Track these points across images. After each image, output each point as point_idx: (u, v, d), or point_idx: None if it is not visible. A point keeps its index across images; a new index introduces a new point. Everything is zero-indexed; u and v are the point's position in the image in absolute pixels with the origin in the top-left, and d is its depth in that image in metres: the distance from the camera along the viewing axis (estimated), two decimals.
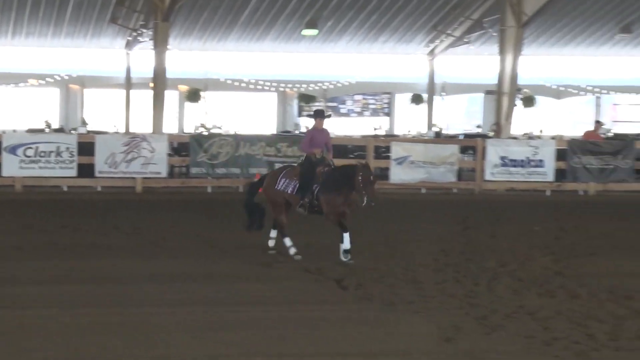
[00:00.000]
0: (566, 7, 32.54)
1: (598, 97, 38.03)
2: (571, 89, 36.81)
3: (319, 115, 16.71)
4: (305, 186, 15.70)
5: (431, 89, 36.00)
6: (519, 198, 26.54)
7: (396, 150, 27.22)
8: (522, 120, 33.94)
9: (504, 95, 30.53)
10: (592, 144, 28.17)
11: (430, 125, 34.91)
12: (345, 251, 15.75)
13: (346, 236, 15.69)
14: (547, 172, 27.50)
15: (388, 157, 27.29)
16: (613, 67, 37.22)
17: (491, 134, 31.00)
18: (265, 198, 16.67)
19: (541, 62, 35.66)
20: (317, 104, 36.34)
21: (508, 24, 30.08)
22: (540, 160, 27.43)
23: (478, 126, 34.89)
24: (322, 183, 15.64)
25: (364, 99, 37.04)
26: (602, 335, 11.80)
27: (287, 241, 16.22)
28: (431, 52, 35.76)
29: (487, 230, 20.47)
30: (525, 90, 34.04)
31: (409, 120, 36.00)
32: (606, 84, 37.15)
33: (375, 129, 33.33)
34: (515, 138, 30.02)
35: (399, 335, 11.76)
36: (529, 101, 35.08)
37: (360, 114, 37.11)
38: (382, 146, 28.29)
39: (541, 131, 33.80)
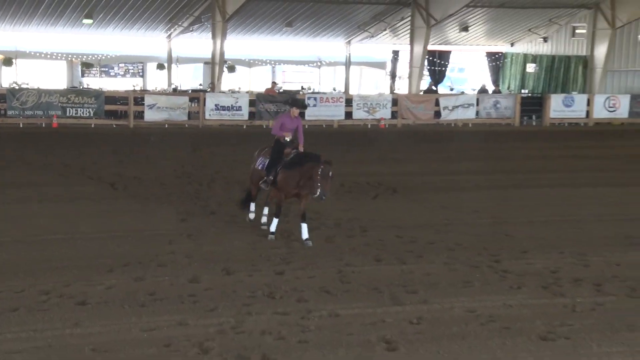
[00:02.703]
0: (254, 9, 32.61)
1: (273, 67, 38.51)
2: (258, 62, 37.03)
3: (295, 104, 11.54)
4: (272, 164, 11.17)
5: (170, 60, 35.15)
6: (227, 130, 26.75)
7: (148, 100, 26.60)
8: (227, 81, 33.92)
9: (216, 65, 30.53)
10: (270, 96, 28.71)
11: (169, 83, 34.24)
12: (272, 233, 10.81)
13: (304, 226, 10.63)
14: (244, 114, 27.74)
15: (143, 104, 26.60)
16: (283, 48, 37.74)
17: (209, 90, 30.85)
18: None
19: (239, 43, 35.59)
20: (94, 69, 34.74)
21: (217, 19, 29.90)
22: (240, 107, 27.66)
23: (200, 84, 34.55)
24: (286, 162, 10.98)
25: (125, 66, 35.69)
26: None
27: (252, 206, 11.72)
28: (169, 36, 34.87)
29: (208, 150, 20.59)
30: (229, 62, 33.94)
31: (156, 80, 35.16)
32: (279, 59, 37.66)
33: (134, 86, 32.34)
34: (223, 92, 30.04)
35: (151, 219, 11.79)
36: (231, 69, 34.87)
37: (123, 76, 35.71)
38: (139, 97, 27.47)
39: (239, 88, 33.90)
